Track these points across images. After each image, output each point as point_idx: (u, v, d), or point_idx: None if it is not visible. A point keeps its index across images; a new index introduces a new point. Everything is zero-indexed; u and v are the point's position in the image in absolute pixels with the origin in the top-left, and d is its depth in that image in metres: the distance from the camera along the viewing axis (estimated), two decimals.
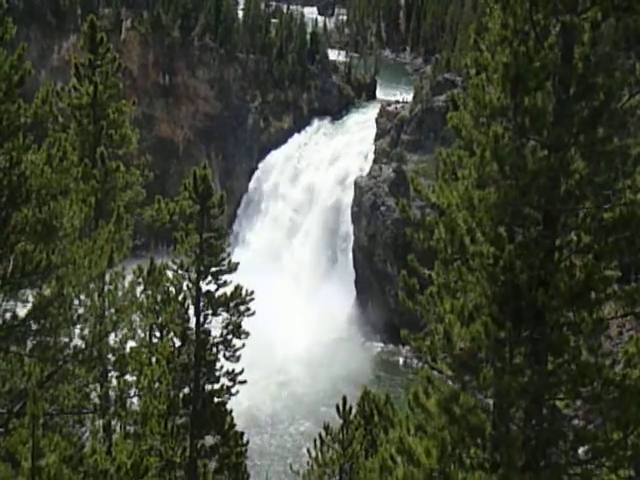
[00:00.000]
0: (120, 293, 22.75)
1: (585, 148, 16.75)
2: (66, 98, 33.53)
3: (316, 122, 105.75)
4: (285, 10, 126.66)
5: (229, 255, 35.05)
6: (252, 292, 35.62)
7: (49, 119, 29.98)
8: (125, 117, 34.12)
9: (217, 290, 35.15)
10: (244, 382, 35.70)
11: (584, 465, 17.44)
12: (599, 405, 17.09)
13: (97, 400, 23.31)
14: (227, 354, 35.72)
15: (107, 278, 23.63)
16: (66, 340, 21.37)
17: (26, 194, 19.87)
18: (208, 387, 35.45)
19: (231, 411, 35.59)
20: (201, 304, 34.98)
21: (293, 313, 76.57)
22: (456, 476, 17.14)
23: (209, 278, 34.82)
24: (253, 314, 35.73)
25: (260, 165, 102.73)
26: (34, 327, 20.83)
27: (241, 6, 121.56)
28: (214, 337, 35.51)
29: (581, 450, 17.59)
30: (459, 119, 17.54)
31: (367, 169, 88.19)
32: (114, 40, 79.69)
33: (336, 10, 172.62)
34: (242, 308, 35.44)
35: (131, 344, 25.03)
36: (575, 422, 17.84)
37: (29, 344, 21.27)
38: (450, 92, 22.38)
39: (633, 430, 16.79)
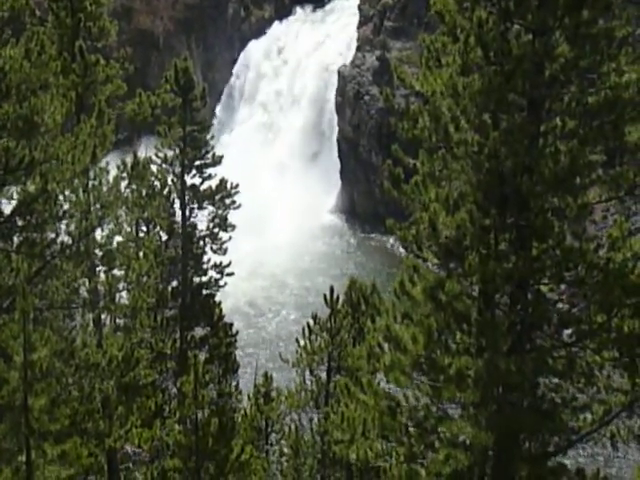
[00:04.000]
0: (105, 188, 22.72)
1: (570, 31, 16.54)
2: None
3: (298, 10, 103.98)
4: None
5: (213, 148, 34.91)
6: (237, 185, 35.60)
7: (26, 13, 29.45)
8: (103, 9, 33.42)
9: (202, 183, 35.13)
10: (232, 274, 35.99)
11: (568, 348, 17.74)
12: (583, 289, 17.30)
13: (86, 294, 23.49)
14: (214, 247, 35.91)
15: (91, 174, 23.54)
16: (52, 236, 21.43)
17: (6, 89, 19.67)
18: (196, 280, 35.75)
19: (220, 303, 35.94)
20: (186, 198, 34.99)
21: (278, 204, 76.61)
22: (442, 361, 17.42)
23: (193, 172, 34.76)
24: (239, 207, 35.79)
25: (241, 55, 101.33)
26: (20, 223, 20.87)
27: None
28: (200, 230, 35.65)
29: (565, 333, 17.87)
30: (442, 4, 17.26)
31: (350, 57, 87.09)
32: None
33: None
34: (227, 201, 35.49)
35: (118, 239, 25.12)
36: (559, 306, 18.07)
37: (16, 240, 21.33)
38: None
39: (617, 313, 17.04)
